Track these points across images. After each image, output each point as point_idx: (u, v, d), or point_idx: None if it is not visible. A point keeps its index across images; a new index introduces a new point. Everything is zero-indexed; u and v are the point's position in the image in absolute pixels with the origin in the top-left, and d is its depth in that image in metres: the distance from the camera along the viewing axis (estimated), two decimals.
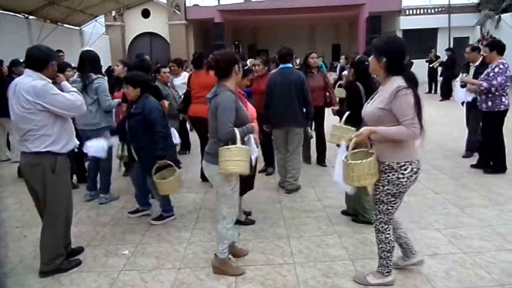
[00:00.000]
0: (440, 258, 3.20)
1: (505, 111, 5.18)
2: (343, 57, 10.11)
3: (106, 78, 4.99)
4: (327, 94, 5.91)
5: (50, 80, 3.05)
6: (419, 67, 16.35)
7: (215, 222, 4.06)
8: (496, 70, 5.07)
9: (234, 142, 2.83)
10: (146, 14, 23.35)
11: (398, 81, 2.55)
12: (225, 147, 2.81)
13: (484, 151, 5.52)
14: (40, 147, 2.97)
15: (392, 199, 2.67)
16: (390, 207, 2.70)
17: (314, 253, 3.38)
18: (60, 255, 3.20)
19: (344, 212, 4.15)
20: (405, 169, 2.59)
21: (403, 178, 2.60)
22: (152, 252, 3.51)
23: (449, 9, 20.37)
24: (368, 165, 2.55)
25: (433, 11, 21.70)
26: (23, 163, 3.10)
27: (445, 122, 9.10)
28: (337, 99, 7.36)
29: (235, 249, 3.39)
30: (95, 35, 19.21)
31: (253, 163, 3.09)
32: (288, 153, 4.91)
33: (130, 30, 23.56)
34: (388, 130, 2.54)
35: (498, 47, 5.24)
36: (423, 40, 21.00)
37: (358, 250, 3.39)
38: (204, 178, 5.18)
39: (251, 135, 3.01)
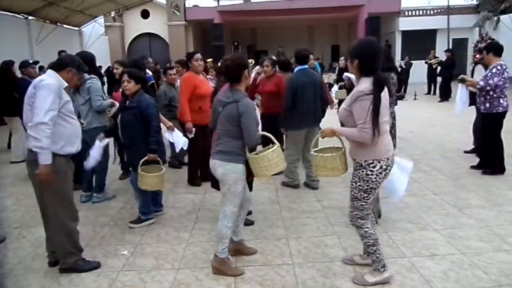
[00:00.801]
0: (438, 259, 3.21)
1: (503, 113, 5.17)
2: (342, 58, 10.09)
3: (105, 78, 5.00)
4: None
5: (65, 83, 3.09)
6: (419, 68, 16.47)
7: (214, 223, 4.07)
8: (494, 70, 5.07)
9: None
10: (145, 14, 23.37)
11: (363, 84, 2.67)
12: (262, 154, 2.99)
13: (484, 153, 5.52)
14: (29, 145, 2.96)
15: (365, 195, 2.79)
16: (364, 203, 2.82)
17: (313, 253, 3.39)
18: (71, 254, 3.18)
19: None
20: (374, 167, 2.72)
21: (372, 174, 2.73)
22: (151, 253, 3.51)
23: (448, 11, 20.43)
24: (323, 160, 2.91)
25: (432, 12, 21.77)
26: (26, 159, 3.14)
27: (444, 123, 9.12)
28: (337, 100, 7.40)
29: (244, 247, 3.42)
30: (95, 36, 19.24)
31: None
32: (307, 152, 4.88)
33: (129, 30, 23.58)
34: (345, 131, 2.79)
35: (494, 49, 5.25)
36: (422, 41, 21.06)
37: (357, 250, 3.38)
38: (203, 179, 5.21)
39: None
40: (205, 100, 4.87)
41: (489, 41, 16.35)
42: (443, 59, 14.43)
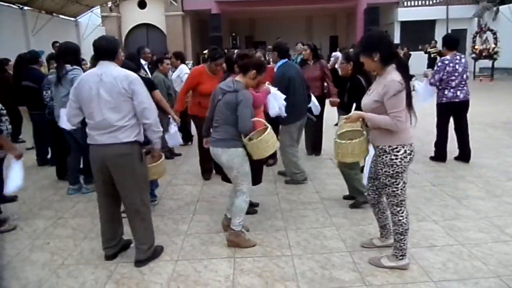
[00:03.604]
0: (437, 250, 3.21)
1: (446, 103, 5.40)
2: (338, 50, 9.93)
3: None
4: (325, 84, 5.87)
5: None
6: (418, 59, 16.40)
7: (213, 214, 4.07)
8: (436, 68, 5.42)
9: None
10: (142, 5, 23.12)
11: (392, 74, 2.69)
12: (260, 137, 3.22)
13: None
14: (131, 137, 2.96)
15: (393, 180, 2.79)
16: (394, 189, 2.82)
17: (312, 245, 3.39)
18: (153, 244, 3.26)
19: (346, 197, 4.33)
20: (398, 151, 2.75)
21: (397, 159, 2.74)
22: None
23: (447, 1, 20.31)
24: (351, 146, 2.92)
25: (431, 2, 21.62)
26: (109, 155, 2.95)
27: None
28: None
29: (240, 240, 3.43)
30: (91, 26, 19.03)
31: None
32: (296, 143, 4.93)
33: (126, 21, 23.35)
34: (375, 117, 2.75)
35: (447, 43, 5.55)
36: (421, 32, 20.96)
37: (356, 242, 3.39)
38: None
39: None
40: (206, 97, 4.81)
41: (488, 32, 16.39)
42: (441, 49, 14.35)
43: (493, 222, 3.66)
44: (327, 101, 5.41)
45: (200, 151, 5.20)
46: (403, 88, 2.65)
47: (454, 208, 4.02)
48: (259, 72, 3.34)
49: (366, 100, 2.85)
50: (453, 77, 5.28)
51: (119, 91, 2.86)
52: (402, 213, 2.86)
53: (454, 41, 5.49)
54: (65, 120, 3.22)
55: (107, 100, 2.87)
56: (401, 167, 2.76)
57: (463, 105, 5.42)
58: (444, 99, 5.40)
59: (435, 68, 5.45)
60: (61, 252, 3.42)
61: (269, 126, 3.31)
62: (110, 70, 2.91)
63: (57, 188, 5.05)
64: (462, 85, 5.33)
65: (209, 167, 5.15)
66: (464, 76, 5.32)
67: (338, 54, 4.67)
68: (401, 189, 2.82)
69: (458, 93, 5.33)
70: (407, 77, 2.71)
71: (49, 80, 4.89)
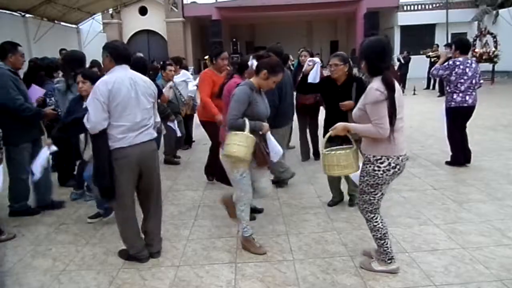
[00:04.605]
0: (439, 253, 3.21)
1: (455, 108, 5.38)
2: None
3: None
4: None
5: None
6: (418, 63, 16.43)
7: (215, 220, 4.08)
8: (445, 64, 5.41)
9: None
10: (143, 11, 23.29)
11: (375, 83, 2.68)
12: (233, 132, 3.07)
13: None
14: (154, 134, 3.25)
15: (372, 189, 2.82)
16: (372, 197, 2.84)
17: (313, 249, 3.38)
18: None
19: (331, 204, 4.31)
20: (382, 163, 2.73)
21: (379, 170, 2.74)
22: None
23: (447, 5, 20.37)
24: (336, 158, 2.88)
25: (430, 6, 21.72)
26: (146, 151, 3.12)
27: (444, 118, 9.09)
28: None
29: (250, 245, 3.43)
30: (92, 33, 19.15)
31: (274, 161, 3.39)
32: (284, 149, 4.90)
33: (127, 27, 23.51)
34: (359, 127, 2.77)
35: (461, 46, 5.47)
36: (421, 36, 21.02)
37: (357, 246, 3.39)
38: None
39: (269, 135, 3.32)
40: (217, 98, 4.80)
41: (488, 35, 16.43)
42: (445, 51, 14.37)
43: (495, 226, 3.65)
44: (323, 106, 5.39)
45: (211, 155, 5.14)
46: (383, 97, 2.59)
47: (456, 212, 4.02)
48: (270, 72, 3.16)
49: (354, 110, 2.88)
50: (462, 80, 5.28)
51: (150, 93, 3.14)
52: (376, 219, 2.88)
53: (467, 46, 5.55)
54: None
55: (143, 101, 3.06)
56: (382, 179, 2.75)
57: (470, 111, 5.43)
58: (453, 103, 5.38)
59: (445, 64, 5.42)
60: (63, 258, 3.42)
61: (251, 136, 3.06)
62: (135, 74, 3.10)
63: (59, 194, 5.05)
64: (471, 90, 5.32)
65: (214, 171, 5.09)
66: (474, 81, 5.31)
67: (317, 59, 4.54)
68: (378, 199, 2.85)
69: (467, 97, 5.31)
70: (392, 89, 2.63)
71: (51, 87, 4.91)
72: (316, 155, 6.22)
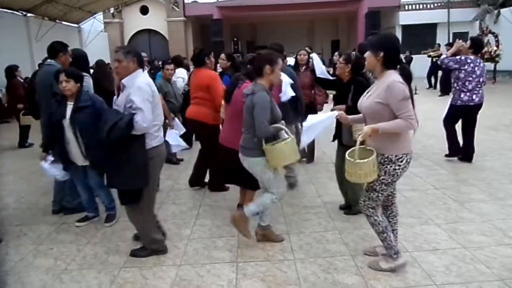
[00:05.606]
0: (440, 253, 3.21)
1: (461, 106, 5.45)
2: (336, 53, 9.80)
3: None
4: (313, 92, 5.73)
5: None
6: (419, 63, 16.41)
7: (216, 219, 4.08)
8: (457, 58, 5.41)
9: (271, 138, 3.18)
10: (144, 10, 23.30)
11: (393, 76, 2.68)
12: (273, 146, 3.09)
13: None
14: None
15: (385, 187, 2.83)
16: (380, 195, 2.85)
17: (314, 249, 3.39)
18: None
19: (342, 207, 4.17)
20: (402, 161, 2.74)
21: (399, 169, 2.75)
22: None
23: (448, 4, 20.33)
24: (372, 162, 2.69)
25: (432, 6, 21.69)
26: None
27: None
28: (331, 95, 7.31)
29: (272, 233, 3.55)
30: (94, 33, 19.18)
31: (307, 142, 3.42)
32: None
33: (128, 27, 23.52)
34: (387, 125, 2.67)
35: (476, 46, 5.49)
36: (422, 35, 20.99)
37: (359, 245, 3.39)
38: (192, 184, 5.06)
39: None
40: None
41: (490, 34, 16.40)
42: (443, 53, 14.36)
43: (496, 225, 3.65)
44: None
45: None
46: (408, 89, 2.65)
47: (457, 211, 4.02)
48: (271, 64, 3.14)
49: (366, 103, 2.80)
50: (470, 78, 5.33)
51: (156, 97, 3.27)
52: (377, 213, 2.90)
53: (481, 47, 5.67)
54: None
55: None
56: (398, 177, 2.79)
57: (477, 108, 5.50)
58: (459, 102, 5.46)
59: (457, 58, 5.42)
60: (65, 257, 3.43)
61: (292, 137, 3.13)
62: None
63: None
64: (478, 89, 5.38)
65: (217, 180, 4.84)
66: (481, 80, 5.38)
67: (312, 54, 4.57)
68: (384, 196, 2.88)
69: (474, 96, 5.38)
70: (409, 82, 2.71)
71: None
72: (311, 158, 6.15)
